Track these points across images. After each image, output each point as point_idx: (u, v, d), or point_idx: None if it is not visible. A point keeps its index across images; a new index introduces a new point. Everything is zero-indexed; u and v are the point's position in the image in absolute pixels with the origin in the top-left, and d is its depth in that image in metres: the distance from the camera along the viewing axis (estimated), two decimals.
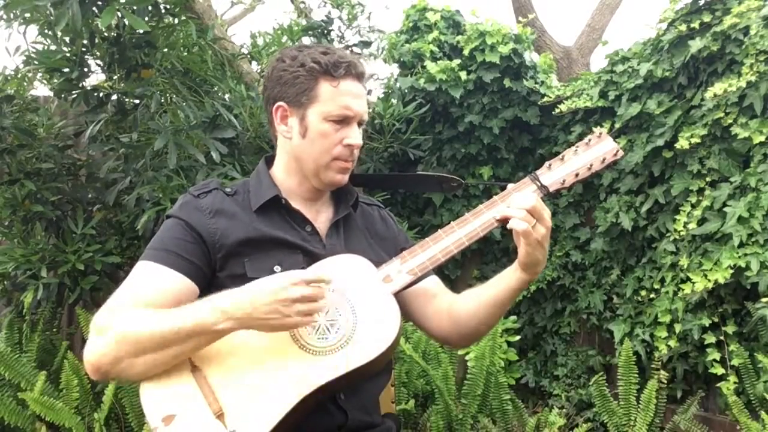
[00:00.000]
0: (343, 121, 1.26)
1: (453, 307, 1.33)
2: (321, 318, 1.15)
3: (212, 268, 1.23)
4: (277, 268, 1.20)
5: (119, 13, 2.39)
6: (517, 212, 1.15)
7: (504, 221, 1.18)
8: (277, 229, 1.26)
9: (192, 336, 1.08)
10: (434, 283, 1.40)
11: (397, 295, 1.21)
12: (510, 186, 1.25)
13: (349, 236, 1.34)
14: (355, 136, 1.27)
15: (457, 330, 1.33)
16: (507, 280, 1.24)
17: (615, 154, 1.27)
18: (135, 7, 2.49)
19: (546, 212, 1.16)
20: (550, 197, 1.28)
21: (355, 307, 1.17)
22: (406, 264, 1.22)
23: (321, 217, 1.34)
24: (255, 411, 1.09)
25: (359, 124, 1.29)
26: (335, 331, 1.15)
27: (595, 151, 1.28)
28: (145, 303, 1.14)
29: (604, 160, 1.27)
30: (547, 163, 1.27)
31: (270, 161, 1.38)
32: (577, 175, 1.26)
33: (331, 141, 1.26)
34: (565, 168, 1.26)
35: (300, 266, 1.20)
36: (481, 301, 1.29)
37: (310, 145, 1.26)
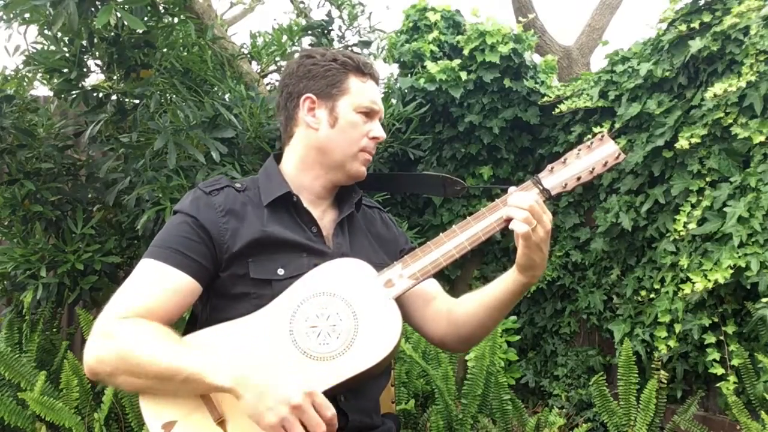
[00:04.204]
0: (369, 114, 1.32)
1: (452, 310, 1.33)
2: (323, 323, 1.15)
3: (217, 267, 1.22)
4: (280, 271, 1.21)
5: (117, 13, 2.38)
6: (519, 213, 1.14)
7: (509, 221, 1.18)
8: (284, 228, 1.25)
9: (190, 383, 1.06)
10: (433, 285, 1.40)
11: (397, 297, 1.21)
12: (511, 189, 1.24)
13: (354, 236, 1.35)
14: (379, 129, 1.33)
15: (456, 332, 1.33)
16: (505, 283, 1.24)
17: (617, 158, 1.27)
18: (133, 7, 2.48)
19: (547, 215, 1.16)
20: (552, 200, 1.27)
21: (356, 312, 1.16)
22: (408, 268, 1.22)
23: (326, 218, 1.34)
24: None
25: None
26: (336, 337, 1.14)
27: (597, 154, 1.27)
28: (149, 303, 1.14)
29: (606, 163, 1.26)
30: (549, 166, 1.27)
31: (278, 159, 1.38)
32: (578, 178, 1.26)
33: (360, 132, 1.31)
34: (567, 171, 1.26)
35: (304, 269, 1.21)
36: (480, 303, 1.29)
37: (339, 135, 1.29)
